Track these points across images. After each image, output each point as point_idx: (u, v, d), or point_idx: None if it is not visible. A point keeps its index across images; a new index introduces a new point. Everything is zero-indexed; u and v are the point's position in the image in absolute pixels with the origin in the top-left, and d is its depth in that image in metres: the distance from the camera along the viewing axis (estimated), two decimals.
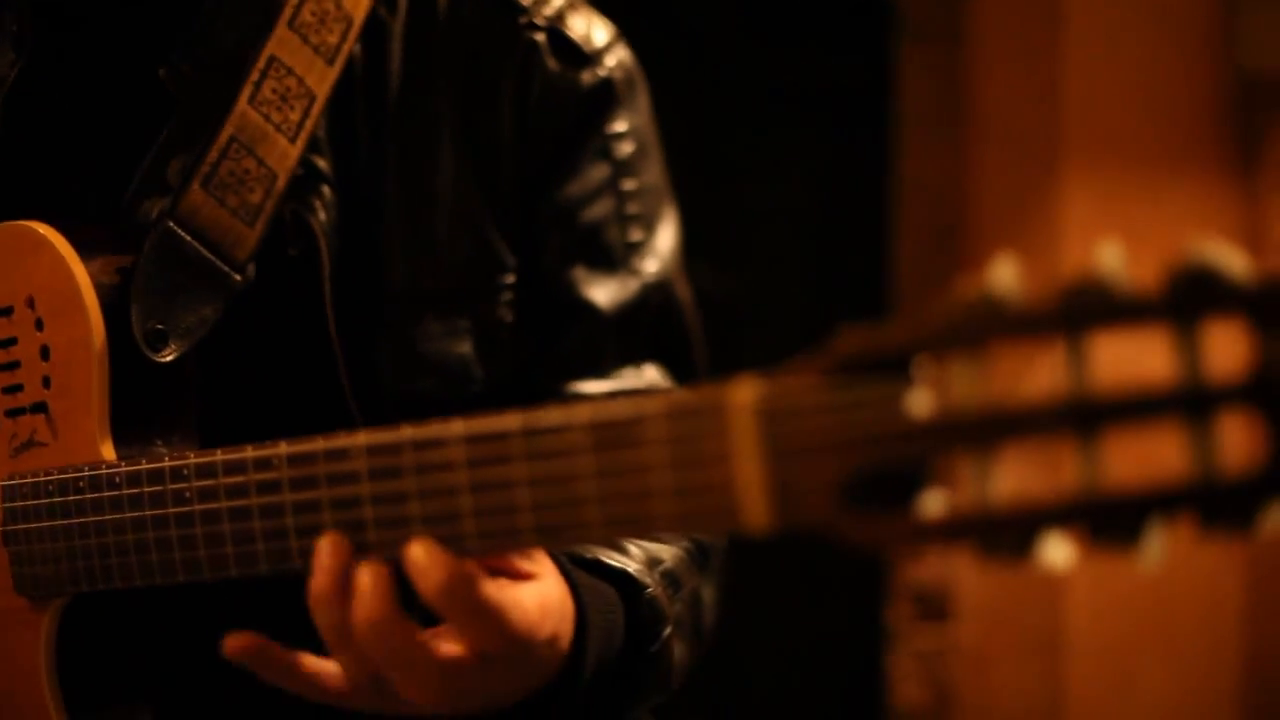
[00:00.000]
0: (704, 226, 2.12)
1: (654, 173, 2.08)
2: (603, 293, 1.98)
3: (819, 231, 3.87)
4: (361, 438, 1.45)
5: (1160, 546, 1.02)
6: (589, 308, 1.96)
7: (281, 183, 1.80)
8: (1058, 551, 1.06)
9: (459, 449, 1.37)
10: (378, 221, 1.90)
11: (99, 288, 1.73)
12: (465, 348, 1.91)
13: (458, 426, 1.38)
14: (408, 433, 1.41)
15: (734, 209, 3.62)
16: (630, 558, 1.77)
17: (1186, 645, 3.74)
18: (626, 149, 2.03)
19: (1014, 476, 1.07)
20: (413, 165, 1.92)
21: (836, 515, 1.13)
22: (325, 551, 1.46)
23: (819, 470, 1.14)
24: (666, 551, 1.85)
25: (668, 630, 1.78)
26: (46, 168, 1.91)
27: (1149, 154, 3.80)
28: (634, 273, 2.01)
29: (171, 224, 1.76)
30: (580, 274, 1.98)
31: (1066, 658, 3.70)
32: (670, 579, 1.82)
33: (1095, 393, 1.02)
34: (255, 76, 1.80)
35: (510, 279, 1.95)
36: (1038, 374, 1.05)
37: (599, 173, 2.01)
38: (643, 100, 2.08)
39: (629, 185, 2.03)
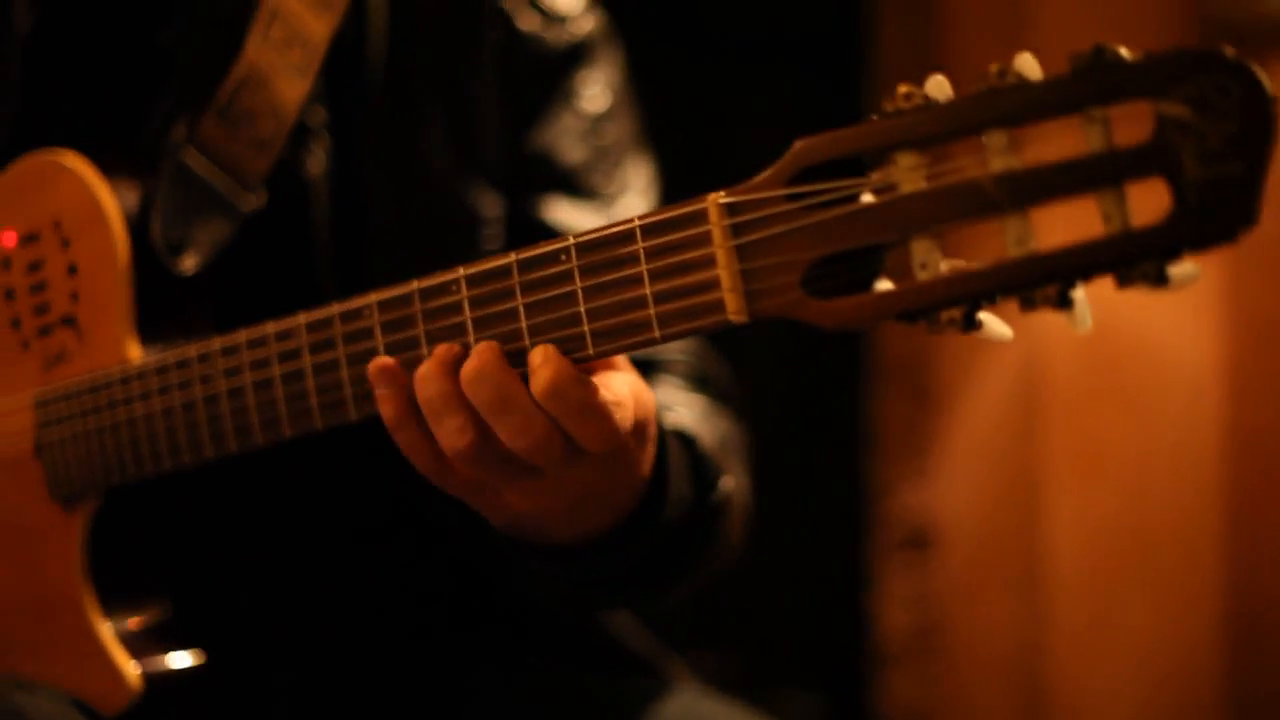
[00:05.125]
0: (680, 176, 2.20)
1: (629, 128, 2.19)
2: (582, 221, 2.07)
3: None
4: (373, 295, 1.54)
5: (1087, 305, 1.15)
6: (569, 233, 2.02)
7: (288, 119, 1.90)
8: (995, 322, 1.20)
9: (462, 289, 1.47)
10: (367, 172, 2.01)
11: (121, 207, 1.82)
12: None
13: (459, 270, 1.48)
14: (414, 283, 1.51)
15: (711, 158, 3.66)
16: (683, 422, 1.83)
17: (1166, 577, 3.73)
18: (600, 104, 2.14)
19: (961, 253, 1.20)
20: (397, 123, 2.02)
21: (802, 300, 1.25)
22: (382, 381, 1.48)
23: (785, 263, 1.26)
24: (719, 431, 1.91)
25: (726, 482, 1.80)
26: (67, 108, 1.99)
27: None
28: (612, 215, 2.09)
29: (190, 149, 1.86)
30: (560, 206, 2.08)
31: (1048, 589, 3.73)
32: (720, 449, 1.85)
33: (1022, 170, 1.15)
34: (262, 23, 1.89)
35: (493, 218, 2.06)
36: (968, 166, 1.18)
37: (575, 123, 2.11)
38: (616, 60, 2.19)
39: (604, 139, 2.13)
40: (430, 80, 2.04)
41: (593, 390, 1.40)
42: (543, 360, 1.39)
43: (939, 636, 3.88)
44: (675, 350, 2.03)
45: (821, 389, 4.02)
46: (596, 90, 2.13)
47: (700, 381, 2.04)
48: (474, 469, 1.44)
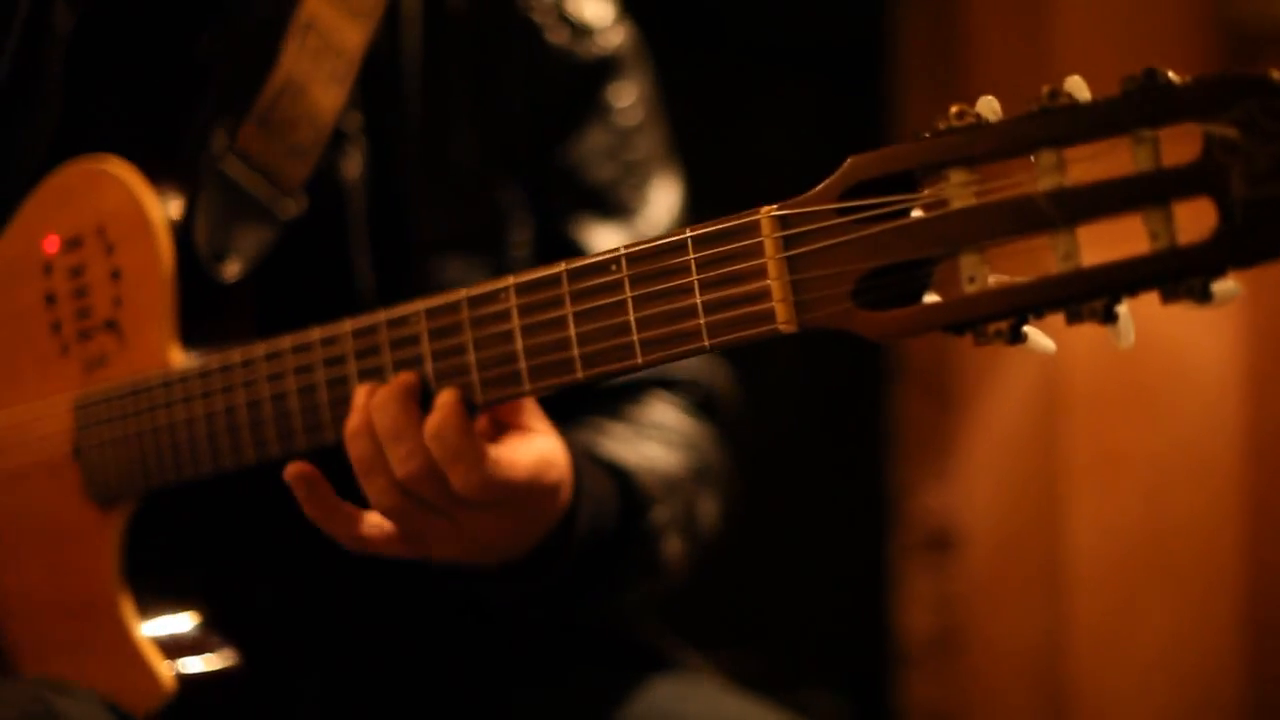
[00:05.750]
0: (704, 185, 2.22)
1: (657, 142, 2.21)
2: (609, 242, 2.09)
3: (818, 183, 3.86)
4: (420, 304, 1.57)
5: (1131, 320, 1.18)
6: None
7: (326, 126, 1.92)
8: (1039, 335, 1.23)
9: (510, 298, 1.50)
10: (403, 177, 2.03)
11: (164, 214, 1.84)
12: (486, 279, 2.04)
13: (508, 279, 1.51)
14: (463, 292, 1.54)
15: (731, 167, 3.67)
16: (625, 457, 1.90)
17: (1186, 577, 3.72)
18: (629, 119, 2.16)
19: (1004, 271, 1.23)
20: (431, 131, 2.04)
21: (851, 312, 1.28)
22: (359, 394, 1.58)
23: (835, 274, 1.29)
24: (663, 461, 1.97)
25: (659, 512, 1.91)
26: (108, 114, 2.01)
27: None
28: (638, 230, 2.12)
29: (231, 156, 1.88)
30: (588, 224, 2.11)
31: (1069, 590, 3.75)
32: (665, 480, 1.95)
33: (1072, 188, 1.18)
34: (297, 33, 1.91)
35: (524, 231, 2.09)
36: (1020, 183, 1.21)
37: (604, 139, 2.14)
38: (644, 74, 2.21)
39: (633, 154, 2.16)
40: (462, 87, 2.06)
41: (470, 442, 1.51)
42: (439, 404, 1.52)
43: (960, 637, 3.88)
44: (687, 372, 2.09)
45: (844, 391, 4.04)
46: (627, 105, 2.15)
47: (703, 407, 2.09)
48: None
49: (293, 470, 1.58)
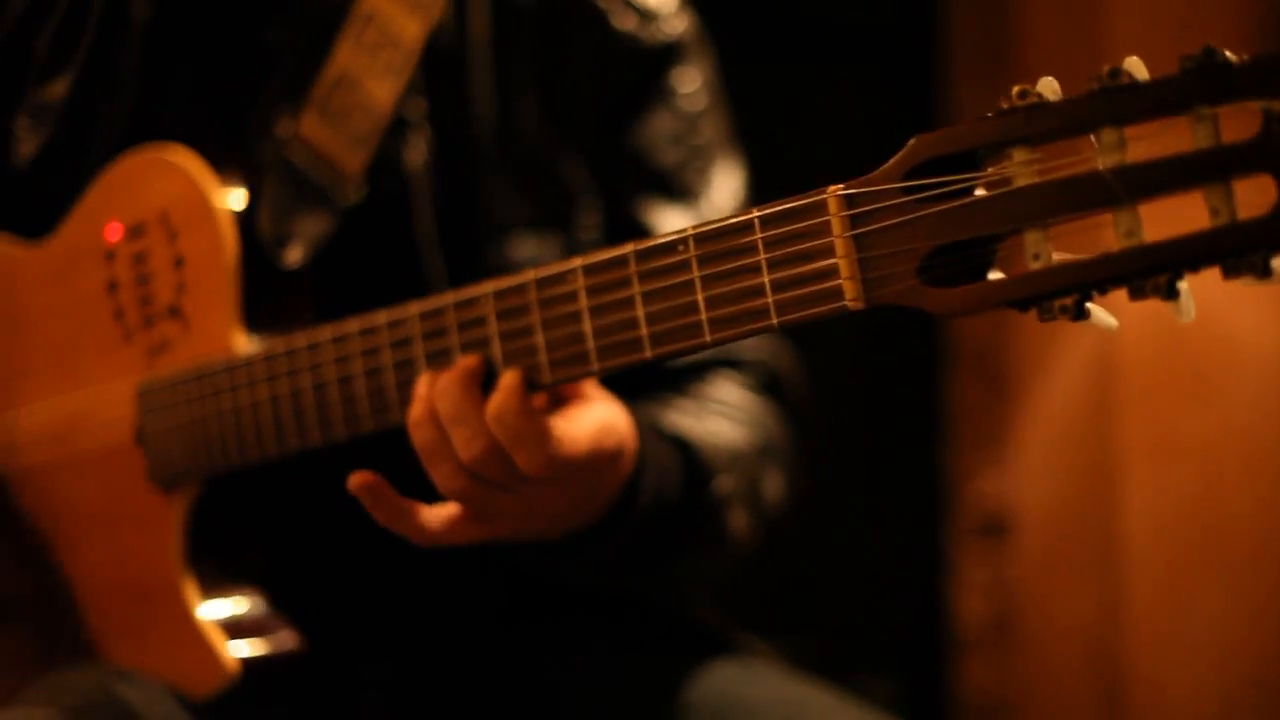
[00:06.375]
0: (757, 171, 2.23)
1: (721, 126, 2.23)
2: (675, 224, 2.07)
3: (869, 169, 3.84)
4: (488, 285, 1.59)
5: (1191, 296, 1.19)
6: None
7: (382, 116, 1.95)
8: (1102, 311, 1.24)
9: (578, 279, 1.52)
10: (471, 162, 2.05)
11: (227, 201, 1.86)
12: (556, 260, 2.05)
13: (575, 260, 1.53)
14: (530, 273, 1.56)
15: (786, 153, 3.68)
16: (689, 429, 1.92)
17: (1241, 562, 3.70)
18: (694, 104, 2.18)
19: (1071, 248, 1.24)
20: (498, 116, 2.06)
21: (917, 289, 1.29)
22: (421, 384, 1.60)
23: (902, 252, 1.31)
24: (727, 435, 1.99)
25: (723, 483, 1.93)
26: (178, 103, 2.04)
27: None
28: (702, 213, 2.14)
29: (294, 144, 1.91)
30: (654, 206, 2.13)
31: (1123, 575, 3.75)
32: (729, 453, 1.96)
33: (1135, 165, 1.18)
34: (355, 26, 1.94)
35: (592, 214, 2.11)
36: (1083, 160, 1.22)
37: (669, 124, 2.16)
38: (707, 60, 2.23)
39: (698, 138, 2.18)
40: (529, 73, 2.08)
41: (532, 422, 1.53)
42: (500, 386, 1.54)
43: (1015, 622, 3.88)
44: (752, 353, 2.11)
45: (899, 377, 4.04)
46: (691, 89, 2.17)
47: (768, 386, 2.10)
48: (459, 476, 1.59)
49: (356, 481, 1.60)
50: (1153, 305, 1.21)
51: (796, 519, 2.21)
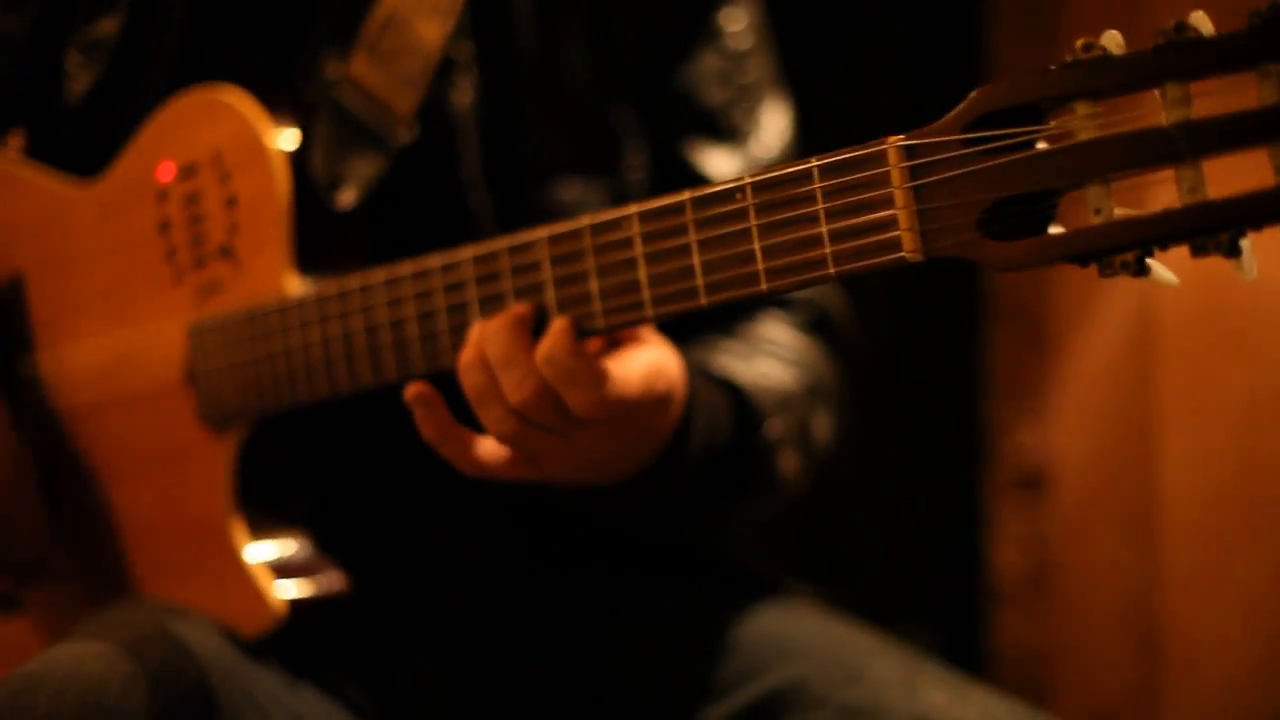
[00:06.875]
0: (801, 125, 2.23)
1: (768, 67, 2.22)
2: (722, 165, 2.12)
3: (913, 123, 3.81)
4: (543, 230, 1.59)
5: (1253, 254, 1.19)
6: (708, 179, 2.06)
7: (432, 57, 1.94)
8: (1161, 268, 1.24)
9: (634, 225, 1.52)
10: (517, 103, 2.05)
11: (280, 141, 1.87)
12: (603, 202, 2.06)
13: (631, 207, 1.53)
14: (585, 219, 1.56)
15: (831, 109, 3.66)
16: (739, 372, 1.92)
17: (1278, 519, 3.73)
18: (741, 43, 2.17)
19: (1129, 204, 1.23)
20: (544, 58, 2.06)
21: (976, 241, 1.29)
22: (474, 329, 1.61)
23: (961, 204, 1.30)
24: (777, 377, 1.99)
25: (774, 426, 1.93)
26: (225, 45, 2.05)
27: None
28: (750, 153, 2.15)
29: (345, 85, 1.92)
30: (700, 148, 2.12)
31: (1160, 530, 3.73)
32: (779, 395, 1.97)
33: (1200, 121, 1.18)
34: None
35: (638, 155, 2.11)
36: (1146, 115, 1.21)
37: (716, 63, 2.15)
38: (754, 2, 2.22)
39: (745, 78, 2.17)
40: (574, 13, 2.08)
41: (582, 363, 1.52)
42: (551, 330, 1.54)
43: (1052, 575, 3.88)
44: (801, 292, 2.08)
45: (938, 331, 4.03)
46: (738, 29, 2.16)
47: (816, 325, 2.10)
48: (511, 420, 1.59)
49: (412, 390, 1.61)
50: (1192, 261, 1.21)
51: (836, 470, 2.21)
